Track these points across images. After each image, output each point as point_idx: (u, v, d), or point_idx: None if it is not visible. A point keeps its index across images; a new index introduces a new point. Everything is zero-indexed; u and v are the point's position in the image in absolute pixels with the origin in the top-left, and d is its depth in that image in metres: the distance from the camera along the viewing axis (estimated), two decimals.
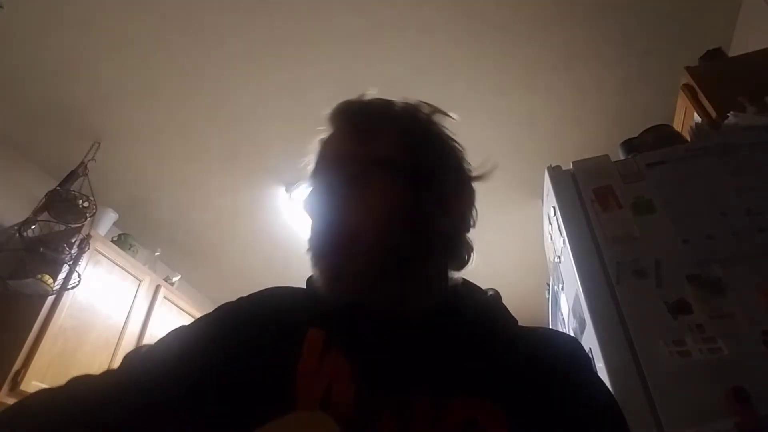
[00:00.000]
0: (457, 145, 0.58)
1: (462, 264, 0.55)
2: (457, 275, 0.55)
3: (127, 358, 0.51)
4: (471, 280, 0.57)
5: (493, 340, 0.48)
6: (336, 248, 0.49)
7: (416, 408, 0.41)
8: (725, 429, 0.79)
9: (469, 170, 0.58)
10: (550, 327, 1.69)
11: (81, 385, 0.48)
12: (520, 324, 0.54)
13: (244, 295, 0.56)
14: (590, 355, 0.93)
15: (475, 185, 0.58)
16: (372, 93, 0.58)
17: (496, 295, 0.57)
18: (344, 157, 0.52)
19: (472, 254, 0.56)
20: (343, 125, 0.55)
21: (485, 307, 0.53)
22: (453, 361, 0.45)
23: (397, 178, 0.50)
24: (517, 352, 0.48)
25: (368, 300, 0.48)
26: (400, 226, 0.49)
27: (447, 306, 0.51)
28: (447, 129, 0.58)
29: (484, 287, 0.58)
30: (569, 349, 0.52)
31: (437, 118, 0.58)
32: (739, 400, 0.80)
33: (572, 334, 1.19)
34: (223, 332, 0.49)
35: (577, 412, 0.45)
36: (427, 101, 0.59)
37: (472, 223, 0.57)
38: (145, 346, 0.53)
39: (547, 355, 0.49)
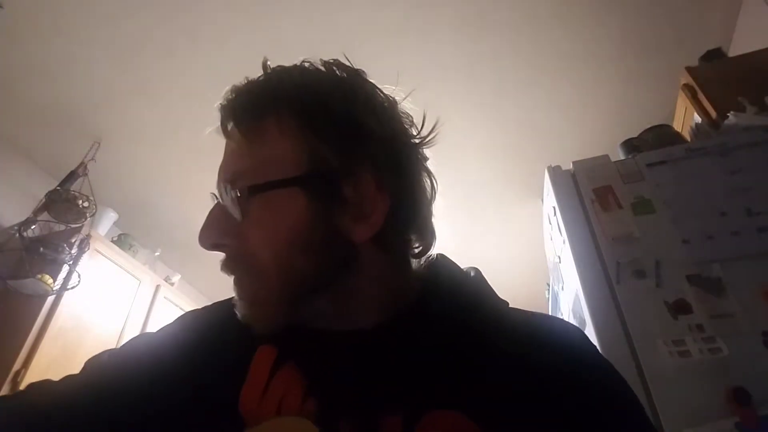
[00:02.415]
0: (387, 108, 0.46)
1: (421, 253, 0.47)
2: (428, 257, 0.47)
3: (88, 364, 0.50)
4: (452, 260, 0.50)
5: (470, 340, 0.41)
6: (241, 279, 0.43)
7: (386, 428, 0.37)
8: (725, 429, 0.79)
9: (410, 138, 0.46)
10: None
11: (36, 393, 0.47)
12: (511, 306, 0.48)
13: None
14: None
15: (428, 152, 0.48)
16: (269, 64, 0.47)
17: (478, 277, 0.49)
18: (225, 174, 0.44)
19: (432, 238, 0.47)
20: (225, 123, 0.46)
21: (462, 299, 0.45)
22: (423, 371, 0.39)
23: (290, 192, 0.40)
24: (500, 351, 0.41)
25: (293, 322, 0.42)
26: (304, 249, 0.40)
27: (415, 306, 0.44)
28: (375, 90, 0.46)
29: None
30: (568, 343, 0.44)
31: (353, 81, 0.46)
32: (739, 400, 0.80)
33: None
34: (183, 348, 0.46)
35: (579, 417, 0.38)
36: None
37: (427, 200, 0.47)
38: (107, 351, 0.51)
39: (541, 352, 0.41)
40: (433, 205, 0.48)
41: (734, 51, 1.75)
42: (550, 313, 1.68)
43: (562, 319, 0.51)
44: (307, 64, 0.47)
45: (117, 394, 0.44)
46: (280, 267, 0.40)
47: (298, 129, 0.42)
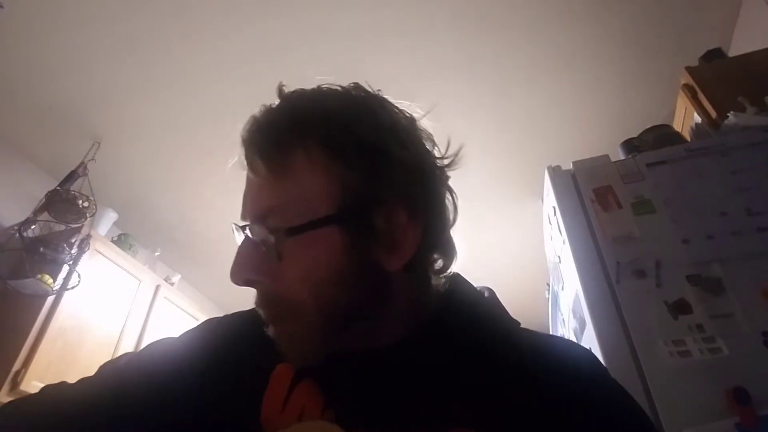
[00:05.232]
0: (411, 132, 0.46)
1: (442, 270, 0.47)
2: (443, 279, 0.48)
3: (104, 368, 0.50)
4: (466, 278, 0.51)
5: (486, 360, 0.42)
6: (278, 318, 0.42)
7: None
8: (725, 429, 0.79)
9: (434, 160, 0.47)
10: (551, 327, 1.69)
11: (55, 396, 0.47)
12: (523, 327, 0.49)
13: (233, 302, 0.53)
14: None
15: (451, 172, 0.48)
16: (286, 90, 0.46)
17: (491, 297, 0.51)
18: (254, 210, 0.43)
19: (454, 256, 0.48)
20: (250, 157, 0.43)
21: (477, 319, 0.46)
22: (440, 389, 0.39)
23: (327, 230, 0.40)
24: (513, 371, 0.41)
25: (330, 353, 0.42)
26: (340, 285, 0.40)
27: (431, 325, 0.44)
28: (397, 113, 0.46)
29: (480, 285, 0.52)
30: (579, 365, 0.44)
31: (377, 106, 0.45)
32: (739, 400, 0.80)
33: (572, 334, 1.19)
34: (202, 357, 0.47)
35: None
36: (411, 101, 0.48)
37: (450, 222, 0.48)
38: (125, 355, 0.52)
39: (552, 372, 0.42)
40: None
41: (734, 51, 1.75)
42: (549, 313, 1.68)
43: (572, 341, 0.52)
44: (325, 89, 0.46)
45: (133, 399, 0.44)
46: (320, 304, 0.40)
47: (327, 161, 0.41)
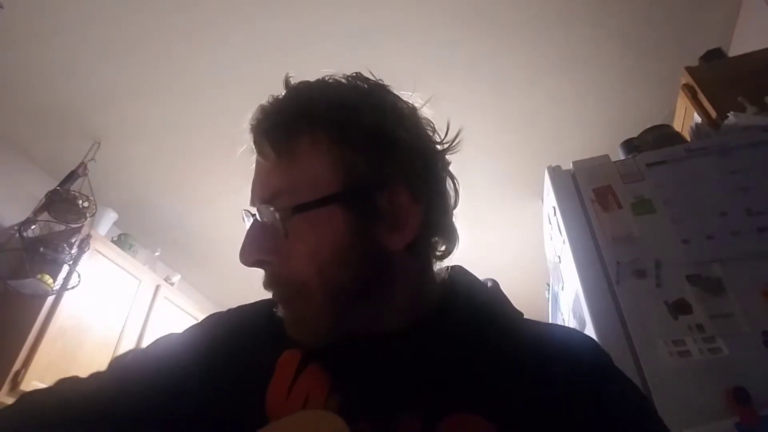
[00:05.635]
0: (412, 117, 0.48)
1: (444, 255, 0.49)
2: (447, 267, 0.49)
3: (113, 363, 0.51)
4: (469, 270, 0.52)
5: (489, 347, 0.42)
6: (288, 299, 0.43)
7: (405, 427, 0.38)
8: (725, 429, 0.79)
9: (434, 145, 0.48)
10: None
11: (67, 389, 0.48)
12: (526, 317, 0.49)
13: (239, 298, 0.54)
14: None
15: (450, 157, 0.50)
16: (293, 78, 0.48)
17: (495, 288, 0.51)
18: (262, 193, 0.44)
19: (455, 240, 0.49)
20: (258, 144, 0.45)
21: (480, 307, 0.46)
22: (443, 374, 0.41)
23: (331, 209, 0.41)
24: (518, 358, 0.42)
25: (339, 334, 0.43)
26: (344, 263, 0.41)
27: (435, 311, 0.45)
28: (398, 100, 0.48)
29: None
30: (580, 353, 0.45)
31: (379, 93, 0.47)
32: (739, 400, 0.80)
33: None
34: (206, 350, 0.48)
35: (593, 426, 0.39)
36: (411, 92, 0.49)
37: (451, 206, 0.49)
38: (132, 351, 0.53)
39: (553, 360, 0.42)
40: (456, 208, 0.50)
41: (734, 51, 1.75)
42: (549, 313, 1.68)
43: (575, 330, 0.52)
44: (329, 79, 0.48)
45: (137, 397, 0.45)
46: (324, 282, 0.41)
47: (332, 145, 0.43)
